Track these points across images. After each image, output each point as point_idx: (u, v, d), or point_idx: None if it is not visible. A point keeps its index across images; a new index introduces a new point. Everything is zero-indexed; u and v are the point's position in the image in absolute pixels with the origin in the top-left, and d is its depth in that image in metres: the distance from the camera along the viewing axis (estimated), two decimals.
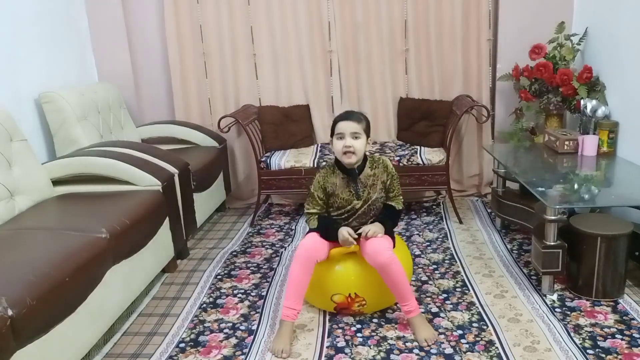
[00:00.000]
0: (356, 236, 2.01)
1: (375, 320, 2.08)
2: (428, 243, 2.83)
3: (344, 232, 2.00)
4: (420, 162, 3.04)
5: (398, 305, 2.07)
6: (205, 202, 3.05)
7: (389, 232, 2.08)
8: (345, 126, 1.97)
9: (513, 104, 3.30)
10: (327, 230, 2.05)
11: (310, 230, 2.11)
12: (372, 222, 2.08)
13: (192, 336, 2.03)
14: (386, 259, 1.92)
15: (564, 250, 2.13)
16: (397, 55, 3.40)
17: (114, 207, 2.19)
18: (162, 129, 3.41)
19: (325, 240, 2.05)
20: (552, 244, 2.13)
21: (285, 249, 2.84)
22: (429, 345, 1.89)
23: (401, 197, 2.16)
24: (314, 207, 2.10)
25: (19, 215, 2.17)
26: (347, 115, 2.01)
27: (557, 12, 3.16)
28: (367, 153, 2.09)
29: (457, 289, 2.30)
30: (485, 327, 1.99)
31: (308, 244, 1.99)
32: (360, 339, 1.95)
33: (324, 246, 2.02)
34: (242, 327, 2.08)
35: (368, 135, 2.02)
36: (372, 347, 1.90)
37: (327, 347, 1.92)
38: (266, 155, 3.25)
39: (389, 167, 2.11)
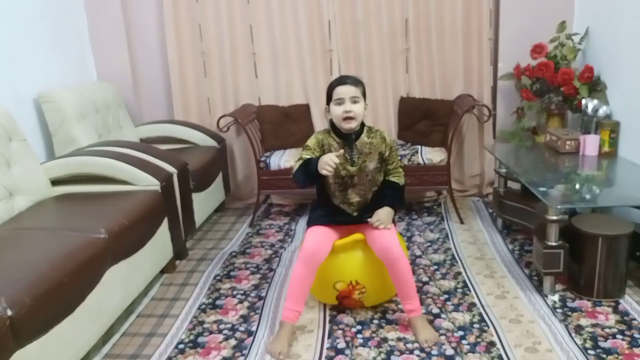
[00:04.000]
0: (337, 161, 1.85)
1: (375, 321, 2.07)
2: (429, 243, 2.82)
3: (325, 157, 1.84)
4: (421, 162, 3.03)
5: (399, 305, 2.06)
6: (204, 202, 3.04)
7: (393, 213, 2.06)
8: (344, 90, 1.93)
9: (514, 104, 3.29)
10: (308, 165, 1.93)
11: (311, 221, 2.08)
12: (373, 198, 2.06)
13: (191, 337, 2.02)
14: (396, 256, 1.92)
15: (566, 250, 2.12)
16: (398, 54, 3.38)
17: (113, 207, 2.18)
18: (161, 129, 3.40)
19: (323, 226, 2.03)
20: (554, 244, 2.12)
21: (284, 250, 2.83)
22: (429, 347, 1.88)
23: (402, 170, 2.13)
24: (307, 154, 1.99)
25: (18, 215, 2.16)
26: (344, 80, 1.96)
27: (558, 11, 3.15)
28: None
29: (458, 290, 2.29)
30: (486, 328, 1.98)
31: (311, 246, 1.95)
32: (361, 340, 1.94)
33: (327, 244, 1.99)
34: (242, 328, 2.07)
35: (365, 99, 1.99)
36: (372, 348, 1.89)
37: (327, 349, 1.91)
38: (266, 154, 3.23)
39: (387, 138, 2.07)
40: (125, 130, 3.28)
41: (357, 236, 2.04)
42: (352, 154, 2.01)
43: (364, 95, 1.98)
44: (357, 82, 1.97)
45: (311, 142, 2.04)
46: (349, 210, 2.08)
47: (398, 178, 2.10)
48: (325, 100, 2.04)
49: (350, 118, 1.93)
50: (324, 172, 1.84)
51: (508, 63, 3.23)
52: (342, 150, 1.94)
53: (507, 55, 3.26)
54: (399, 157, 3.00)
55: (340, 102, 1.93)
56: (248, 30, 3.40)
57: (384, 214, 2.02)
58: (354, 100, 1.93)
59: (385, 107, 3.44)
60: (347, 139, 2.01)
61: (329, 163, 1.82)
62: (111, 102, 3.21)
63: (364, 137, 2.03)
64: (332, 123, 2.03)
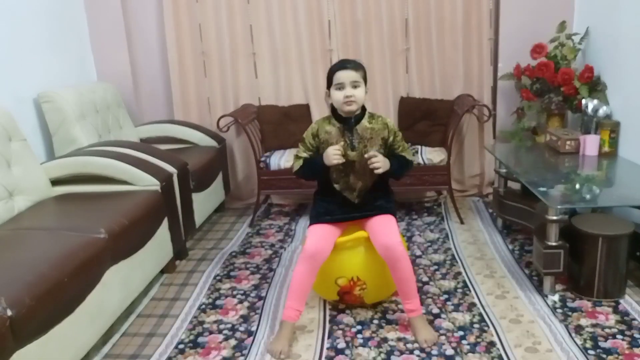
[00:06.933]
0: (340, 147, 1.92)
1: (375, 321, 2.07)
2: (429, 243, 2.82)
3: (329, 150, 1.92)
4: (421, 162, 3.03)
5: (399, 305, 2.07)
6: (204, 202, 3.04)
7: (391, 200, 2.10)
8: (344, 75, 1.92)
9: (514, 104, 3.29)
10: (312, 163, 2.01)
11: (312, 218, 2.08)
12: (375, 186, 2.05)
13: (191, 337, 2.02)
14: (398, 255, 1.92)
15: (566, 250, 2.12)
16: (398, 54, 3.38)
17: (113, 207, 2.18)
18: (161, 129, 3.40)
19: (325, 223, 2.04)
20: (554, 244, 2.12)
21: (284, 250, 2.83)
22: (429, 347, 1.88)
23: (410, 150, 2.12)
24: (305, 151, 2.05)
25: (18, 215, 2.16)
26: (344, 64, 1.95)
27: (558, 11, 3.15)
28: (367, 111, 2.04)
29: (458, 290, 2.29)
30: (486, 328, 1.98)
31: (313, 246, 1.95)
32: (361, 340, 1.94)
33: (328, 244, 1.99)
34: (242, 328, 2.07)
35: (366, 84, 1.98)
36: (372, 348, 1.89)
37: (327, 349, 1.91)
38: (266, 154, 3.24)
39: (389, 124, 2.04)
40: (125, 130, 3.28)
41: (360, 234, 2.04)
42: (352, 138, 1.99)
43: (364, 79, 1.97)
44: (357, 66, 1.95)
45: (307, 134, 2.06)
46: (350, 197, 2.05)
47: (407, 154, 2.08)
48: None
49: (352, 101, 1.92)
50: (334, 162, 1.91)
51: (508, 63, 3.23)
52: (342, 142, 1.95)
53: (507, 55, 3.26)
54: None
55: (341, 86, 1.93)
56: (248, 31, 3.40)
57: (381, 157, 1.96)
58: (355, 85, 1.93)
59: (385, 107, 3.44)
60: (347, 123, 1.99)
61: (334, 153, 1.90)
62: (111, 102, 3.21)
63: (365, 122, 2.00)
64: (332, 108, 2.02)
